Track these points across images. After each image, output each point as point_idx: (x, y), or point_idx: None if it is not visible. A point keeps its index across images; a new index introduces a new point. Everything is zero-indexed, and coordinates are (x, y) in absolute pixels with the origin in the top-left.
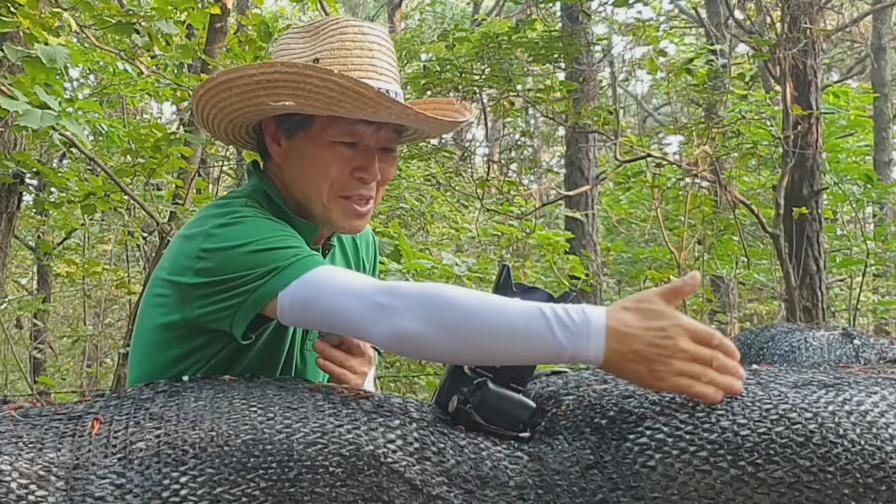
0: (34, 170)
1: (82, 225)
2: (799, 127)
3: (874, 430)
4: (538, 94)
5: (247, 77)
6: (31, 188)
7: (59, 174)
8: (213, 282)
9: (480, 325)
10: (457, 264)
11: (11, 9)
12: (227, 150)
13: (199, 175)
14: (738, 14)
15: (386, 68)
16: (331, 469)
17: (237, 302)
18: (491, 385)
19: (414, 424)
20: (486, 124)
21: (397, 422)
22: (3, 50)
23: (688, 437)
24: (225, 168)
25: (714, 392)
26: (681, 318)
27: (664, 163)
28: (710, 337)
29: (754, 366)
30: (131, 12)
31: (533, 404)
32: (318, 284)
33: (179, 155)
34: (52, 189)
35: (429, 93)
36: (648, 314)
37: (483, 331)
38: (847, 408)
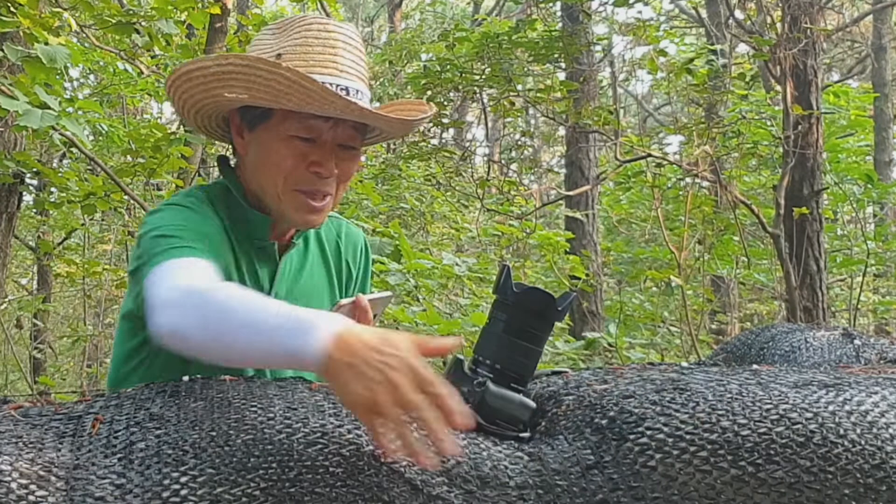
0: (34, 170)
1: (82, 225)
2: (799, 127)
3: (875, 430)
4: (538, 94)
5: (203, 69)
6: (31, 188)
7: (60, 174)
8: (133, 268)
9: (231, 321)
10: (457, 264)
11: (11, 8)
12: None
13: (199, 175)
14: (738, 14)
15: (349, 65)
16: (331, 469)
17: (139, 289)
18: (491, 385)
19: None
20: (486, 124)
21: None
22: (3, 50)
23: (688, 437)
24: None
25: (394, 445)
26: (412, 359)
27: (664, 163)
28: (433, 384)
29: (755, 366)
30: (131, 12)
31: (533, 404)
32: (155, 273)
33: (179, 155)
34: (53, 189)
35: (429, 92)
36: (385, 342)
37: (231, 327)
38: (847, 408)
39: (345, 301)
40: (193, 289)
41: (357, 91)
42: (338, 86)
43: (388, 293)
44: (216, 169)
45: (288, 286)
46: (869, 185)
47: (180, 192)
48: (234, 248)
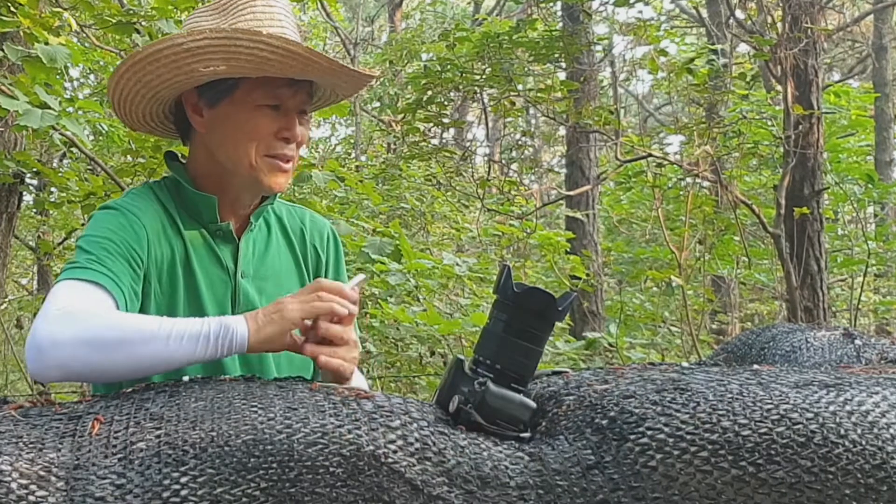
0: (34, 170)
1: (82, 225)
2: (800, 127)
3: (875, 430)
4: (539, 94)
5: (175, 46)
6: (31, 188)
7: (60, 174)
8: None
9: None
10: (457, 264)
11: (12, 8)
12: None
13: None
14: (739, 14)
15: (295, 35)
16: (331, 469)
17: None
18: (492, 385)
19: (415, 425)
20: (486, 124)
21: (398, 422)
22: (3, 49)
23: (689, 437)
24: None
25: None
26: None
27: (665, 163)
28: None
29: (755, 366)
30: (131, 12)
31: (534, 404)
32: (52, 292)
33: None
34: (53, 189)
35: (429, 92)
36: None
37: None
38: (848, 408)
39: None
40: (76, 318)
41: (304, 46)
42: (274, 33)
43: (362, 276)
44: None
45: (255, 267)
46: (869, 185)
47: (128, 190)
48: (182, 236)
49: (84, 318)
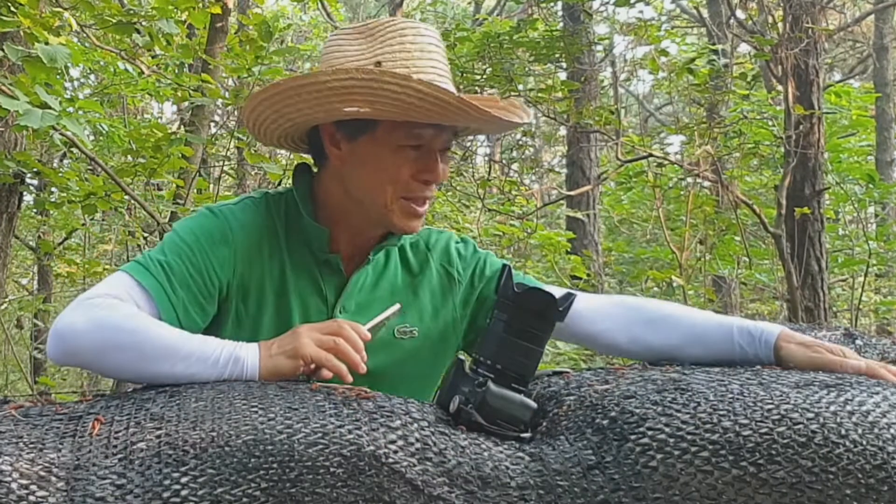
0: (35, 170)
1: (83, 225)
2: (801, 127)
3: (876, 430)
4: (540, 94)
5: (319, 84)
6: (31, 188)
7: (60, 174)
8: None
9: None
10: None
11: (12, 8)
12: (228, 149)
13: (200, 175)
14: (739, 14)
15: (445, 70)
16: (332, 469)
17: None
18: (492, 385)
19: (415, 425)
20: None
21: (398, 422)
22: (3, 49)
23: (689, 437)
24: (226, 168)
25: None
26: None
27: (666, 163)
28: (336, 321)
29: (756, 366)
30: (132, 12)
31: (534, 405)
32: (109, 277)
33: (180, 155)
34: (53, 189)
35: None
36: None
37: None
38: (849, 408)
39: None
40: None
41: (458, 96)
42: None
43: (394, 308)
44: (217, 169)
45: (359, 301)
46: (870, 185)
47: (243, 196)
48: (282, 258)
49: (106, 318)
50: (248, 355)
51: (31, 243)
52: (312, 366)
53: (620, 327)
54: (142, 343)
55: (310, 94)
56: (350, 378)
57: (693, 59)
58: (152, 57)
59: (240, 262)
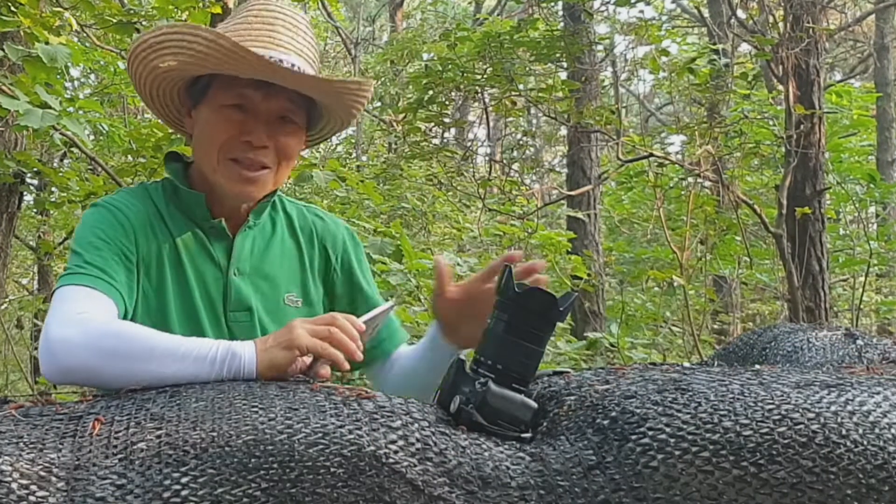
0: (35, 169)
1: None
2: (802, 126)
3: (877, 430)
4: (540, 94)
5: (143, 42)
6: (31, 188)
7: (60, 174)
8: None
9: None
10: (459, 264)
11: (12, 8)
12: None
13: None
14: (740, 13)
15: (286, 41)
16: (332, 470)
17: None
18: (493, 386)
19: (416, 425)
20: (487, 124)
21: (399, 422)
22: (3, 49)
23: (690, 437)
24: None
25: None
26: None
27: (666, 162)
28: (331, 314)
29: (757, 366)
30: (132, 11)
31: (535, 405)
32: (56, 298)
33: None
34: (53, 189)
35: (430, 92)
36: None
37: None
38: (850, 408)
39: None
40: (91, 327)
41: (292, 65)
42: (270, 57)
43: (388, 304)
44: None
45: (253, 265)
46: (871, 185)
47: (119, 189)
48: (171, 233)
49: (97, 328)
50: (244, 351)
51: (31, 243)
52: (309, 358)
53: None
54: (138, 348)
55: (139, 56)
56: (347, 365)
57: (694, 59)
58: None
59: (138, 238)
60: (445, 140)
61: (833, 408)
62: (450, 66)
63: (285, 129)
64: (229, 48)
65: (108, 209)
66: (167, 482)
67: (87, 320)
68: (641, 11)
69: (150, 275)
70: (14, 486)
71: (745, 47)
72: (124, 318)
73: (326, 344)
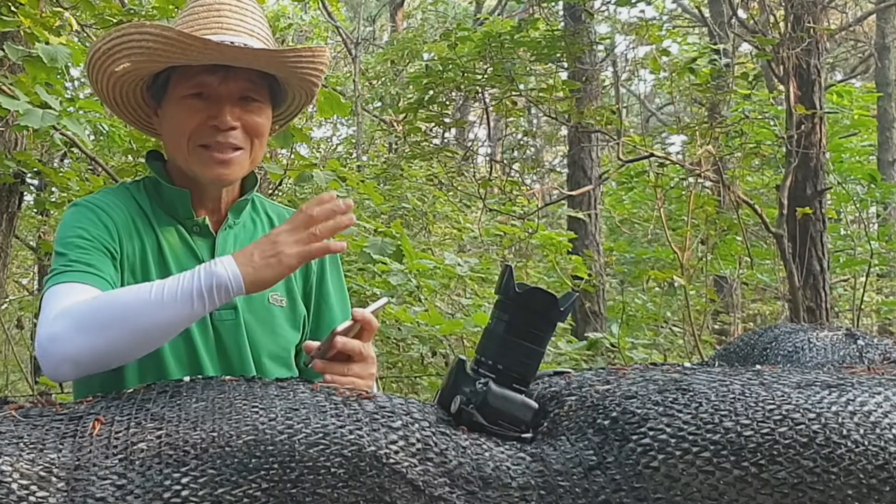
0: (35, 169)
1: None
2: (802, 126)
3: (878, 430)
4: (541, 94)
5: (96, 52)
6: (31, 188)
7: (60, 174)
8: None
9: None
10: (459, 264)
11: (12, 8)
12: None
13: None
14: (741, 13)
15: (235, 24)
16: (333, 470)
17: None
18: (494, 386)
19: (416, 425)
20: (488, 124)
21: (399, 423)
22: (3, 49)
23: (691, 437)
24: None
25: (325, 243)
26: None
27: (667, 163)
28: (301, 211)
29: (758, 366)
30: (132, 11)
31: (535, 405)
32: (43, 302)
33: None
34: (53, 189)
35: (431, 92)
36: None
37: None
38: (850, 408)
39: (341, 327)
40: (75, 309)
41: (244, 45)
42: (222, 41)
43: (384, 299)
44: None
45: None
46: (872, 185)
47: (101, 189)
48: (154, 231)
49: (76, 310)
50: (227, 272)
51: (31, 243)
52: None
53: None
54: (122, 312)
55: (96, 63)
56: (344, 245)
57: (694, 59)
58: None
59: (122, 238)
60: (446, 140)
61: (834, 408)
62: (450, 66)
63: (249, 108)
64: (176, 38)
65: (90, 208)
66: (167, 482)
67: (68, 308)
68: (642, 11)
69: (135, 273)
70: (14, 486)
71: (745, 47)
72: None
73: (316, 244)
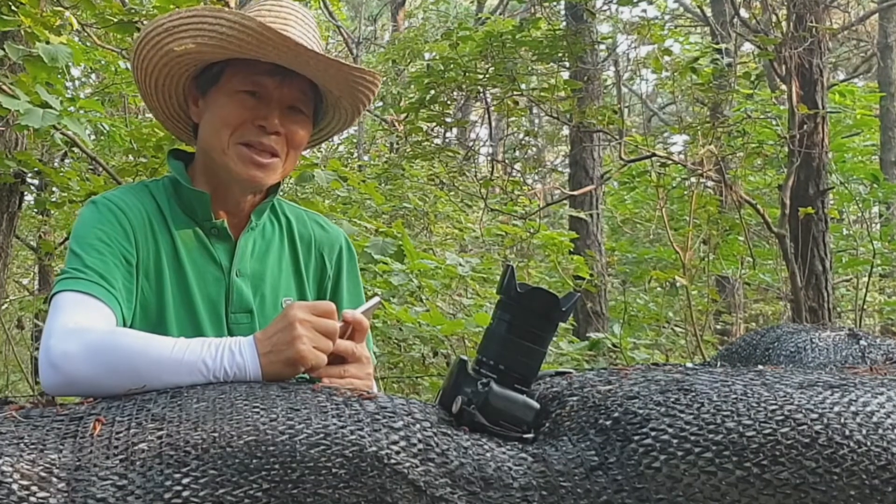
0: (35, 169)
1: None
2: (805, 126)
3: (880, 431)
4: (542, 94)
5: (158, 27)
6: (32, 188)
7: (61, 174)
8: None
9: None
10: (460, 264)
11: (13, 7)
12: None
13: None
14: (743, 13)
15: (299, 34)
16: (334, 470)
17: None
18: (495, 386)
19: (417, 426)
20: (489, 124)
21: (401, 423)
22: (4, 49)
23: (693, 438)
24: None
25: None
26: (296, 309)
27: (669, 162)
28: (326, 308)
29: (760, 366)
30: (133, 11)
31: (537, 405)
32: (54, 306)
33: None
34: (54, 189)
35: (432, 92)
36: (276, 321)
37: (138, 376)
38: (853, 409)
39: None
40: (101, 340)
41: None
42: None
43: (376, 298)
44: None
45: (253, 267)
46: (875, 185)
47: (121, 186)
48: (171, 233)
49: (93, 339)
50: (246, 364)
51: (31, 243)
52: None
53: None
54: (138, 362)
55: (152, 41)
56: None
57: (696, 59)
58: None
59: (138, 240)
60: (447, 140)
61: (836, 408)
62: (452, 66)
63: (296, 119)
64: (255, 29)
65: (110, 208)
66: (168, 483)
67: (86, 332)
68: (644, 11)
69: (150, 276)
70: (15, 486)
71: (747, 47)
72: (122, 325)
73: (325, 359)
